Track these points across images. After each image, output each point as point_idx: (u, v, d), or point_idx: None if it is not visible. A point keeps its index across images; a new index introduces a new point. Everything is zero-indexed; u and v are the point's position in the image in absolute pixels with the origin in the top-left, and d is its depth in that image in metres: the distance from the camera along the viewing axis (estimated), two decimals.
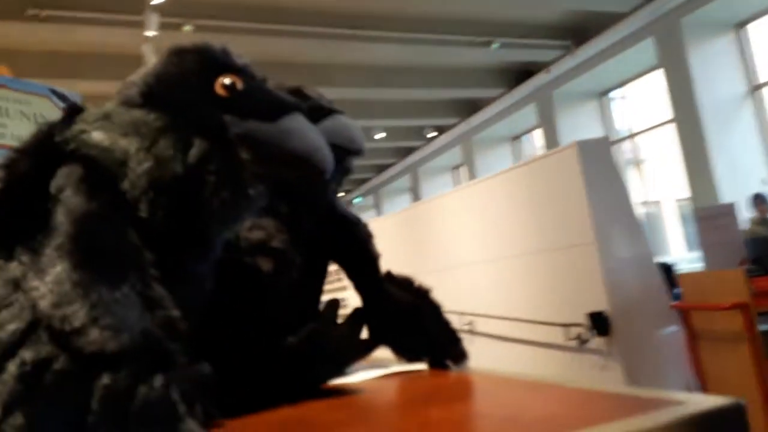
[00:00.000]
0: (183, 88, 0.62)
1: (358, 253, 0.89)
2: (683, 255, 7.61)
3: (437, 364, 0.83)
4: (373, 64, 7.47)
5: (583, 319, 2.88)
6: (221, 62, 0.63)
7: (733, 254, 3.42)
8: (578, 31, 7.28)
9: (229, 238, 0.73)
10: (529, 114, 8.94)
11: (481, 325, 3.66)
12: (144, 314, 0.49)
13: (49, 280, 0.47)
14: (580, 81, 7.96)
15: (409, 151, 11.37)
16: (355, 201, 14.93)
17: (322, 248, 0.87)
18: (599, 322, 2.82)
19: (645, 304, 2.94)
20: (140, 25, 5.15)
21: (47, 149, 0.58)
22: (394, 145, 10.87)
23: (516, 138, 10.30)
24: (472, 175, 9.84)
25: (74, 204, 0.53)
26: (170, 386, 0.44)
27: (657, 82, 7.13)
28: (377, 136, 9.82)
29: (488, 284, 3.73)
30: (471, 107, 9.43)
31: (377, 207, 13.98)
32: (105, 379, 0.42)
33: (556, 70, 7.86)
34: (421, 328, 0.83)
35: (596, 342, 2.86)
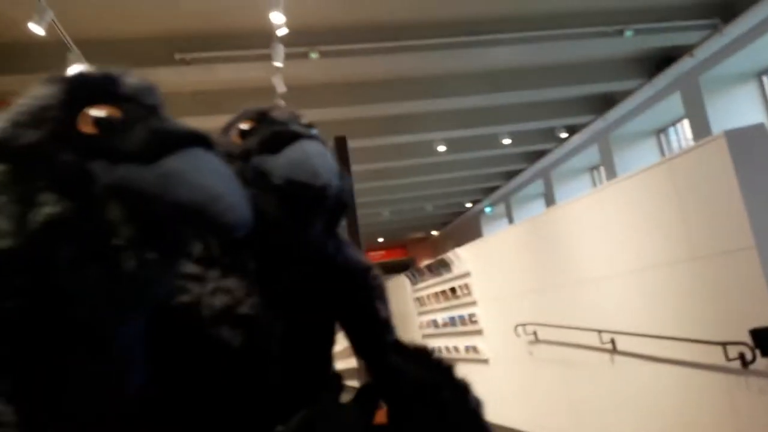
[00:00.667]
0: (36, 129, 0.47)
1: (358, 311, 0.70)
2: None
3: None
4: (493, 68, 7.29)
5: (744, 336, 2.50)
6: (93, 91, 0.50)
7: None
8: (725, 7, 6.52)
9: (189, 303, 0.59)
10: (673, 104, 8.15)
11: (624, 343, 3.34)
12: None
13: None
14: (731, 62, 7.11)
15: (540, 154, 10.92)
16: (486, 210, 14.64)
17: (317, 306, 0.68)
18: (764, 340, 2.42)
19: None
20: (269, 58, 5.49)
21: None
22: (522, 149, 10.51)
23: (661, 131, 9.45)
24: (612, 176, 9.19)
25: None
26: None
27: None
28: (504, 142, 9.57)
29: (631, 297, 3.40)
30: (606, 102, 8.83)
31: (508, 215, 13.59)
32: None
33: (701, 53, 7.08)
34: (442, 419, 0.64)
35: (762, 363, 2.47)
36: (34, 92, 0.50)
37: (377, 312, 0.71)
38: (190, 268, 0.65)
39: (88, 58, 5.00)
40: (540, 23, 6.32)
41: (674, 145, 9.29)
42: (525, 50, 6.65)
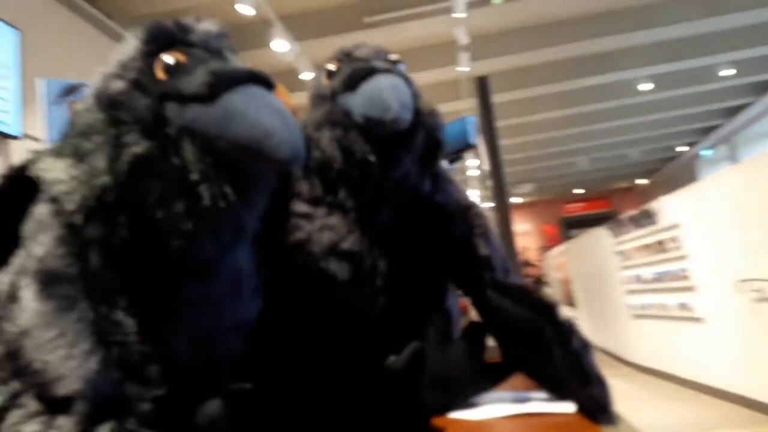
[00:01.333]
0: (121, 79, 0.53)
1: (457, 248, 0.69)
2: None
3: (586, 411, 0.60)
4: None
5: None
6: (166, 39, 0.55)
7: None
8: None
9: (302, 239, 0.63)
10: None
11: None
12: (95, 353, 0.47)
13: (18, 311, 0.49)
14: None
15: None
16: (703, 154, 12.87)
17: (418, 243, 0.69)
18: None
19: None
20: (452, 11, 5.43)
21: (17, 182, 0.56)
22: (748, 80, 8.97)
23: None
24: None
25: (36, 256, 0.52)
26: None
27: None
28: (723, 73, 8.25)
29: None
30: None
31: (732, 158, 11.74)
32: (60, 421, 0.44)
33: None
34: (545, 356, 0.61)
35: None
36: (124, 46, 0.56)
37: (476, 248, 0.70)
38: (302, 207, 0.71)
39: (289, 31, 5.47)
40: None
41: None
42: None
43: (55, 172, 0.54)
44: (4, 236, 0.55)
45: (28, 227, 0.54)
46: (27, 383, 0.47)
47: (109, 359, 0.49)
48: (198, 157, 0.49)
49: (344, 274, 0.65)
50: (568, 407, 0.62)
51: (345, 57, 0.74)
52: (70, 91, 1.99)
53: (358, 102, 0.63)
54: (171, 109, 0.51)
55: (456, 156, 1.78)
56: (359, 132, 0.65)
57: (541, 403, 0.64)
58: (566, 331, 0.63)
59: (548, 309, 0.64)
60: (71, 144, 0.54)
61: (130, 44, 0.56)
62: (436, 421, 0.62)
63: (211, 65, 0.52)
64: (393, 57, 0.77)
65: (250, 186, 0.53)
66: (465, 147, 1.68)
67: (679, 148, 13.27)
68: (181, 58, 0.53)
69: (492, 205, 6.35)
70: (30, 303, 0.49)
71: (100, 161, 0.51)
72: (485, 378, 0.66)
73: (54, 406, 0.45)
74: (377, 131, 0.62)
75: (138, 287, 0.52)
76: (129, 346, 0.50)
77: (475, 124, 1.67)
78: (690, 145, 12.93)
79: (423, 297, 0.71)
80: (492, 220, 1.39)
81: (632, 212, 6.16)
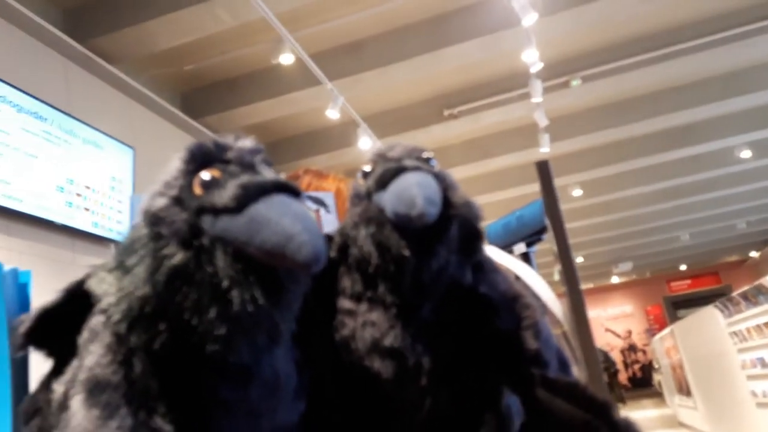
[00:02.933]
0: (163, 196, 0.58)
1: (504, 345, 0.67)
2: None
3: None
4: (719, 72, 6.01)
5: None
6: (204, 157, 0.58)
7: None
8: None
9: (347, 336, 0.64)
10: None
11: None
12: None
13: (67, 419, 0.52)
14: None
15: None
16: None
17: (463, 337, 0.66)
18: None
19: None
20: (529, 96, 5.55)
21: (76, 296, 0.60)
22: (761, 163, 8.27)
23: None
24: None
25: (87, 365, 0.55)
26: None
27: None
28: (743, 155, 7.69)
29: None
30: None
31: None
32: None
33: None
34: None
35: None
36: (169, 166, 0.62)
37: (524, 342, 0.67)
38: (346, 303, 0.73)
39: (372, 129, 5.80)
40: None
41: None
42: None
43: (105, 285, 0.58)
44: (63, 348, 0.60)
45: (82, 337, 0.58)
46: None
47: None
48: (229, 264, 0.52)
49: (388, 373, 0.65)
50: None
51: (379, 158, 0.78)
52: None
53: (388, 199, 0.65)
54: (206, 222, 0.55)
55: (534, 238, 1.78)
56: (393, 228, 0.67)
57: None
58: (624, 428, 0.61)
59: (603, 408, 0.62)
60: (119, 258, 0.58)
61: (174, 164, 0.61)
62: None
63: (242, 179, 0.57)
64: (426, 155, 0.79)
65: (280, 289, 0.55)
66: (542, 229, 1.68)
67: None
68: (217, 174, 0.57)
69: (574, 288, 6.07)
70: (77, 411, 0.52)
71: (141, 273, 0.55)
72: None
73: None
74: (407, 226, 0.64)
75: (177, 393, 0.55)
76: None
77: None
78: None
79: (472, 396, 0.68)
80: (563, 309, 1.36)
81: (745, 288, 5.67)
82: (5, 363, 0.74)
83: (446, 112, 6.23)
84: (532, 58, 4.70)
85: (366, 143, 5.55)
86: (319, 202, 1.22)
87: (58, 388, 0.57)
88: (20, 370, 0.80)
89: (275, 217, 0.51)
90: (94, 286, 0.59)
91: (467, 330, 0.70)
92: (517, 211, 1.93)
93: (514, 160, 7.06)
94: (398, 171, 0.68)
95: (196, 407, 0.55)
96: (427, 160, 0.77)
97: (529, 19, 4.07)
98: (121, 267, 0.57)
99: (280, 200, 0.53)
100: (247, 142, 0.62)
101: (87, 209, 3.71)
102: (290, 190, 0.56)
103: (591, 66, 5.76)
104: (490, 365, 0.67)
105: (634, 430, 0.61)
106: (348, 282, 0.72)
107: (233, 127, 5.63)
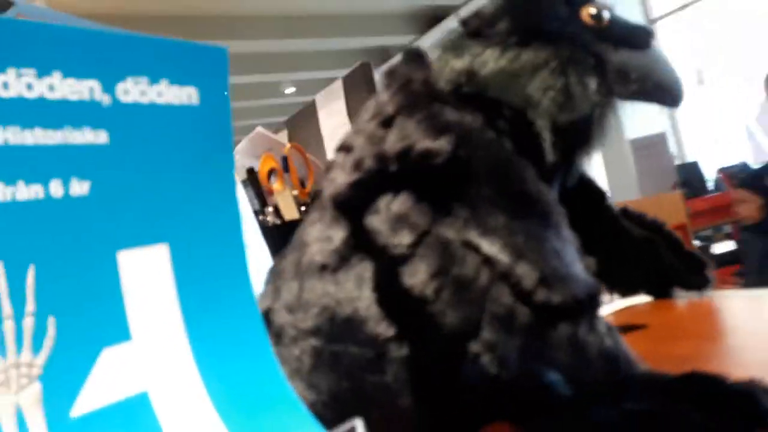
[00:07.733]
0: (559, 20, 0.57)
1: (586, 191, 0.72)
2: None
3: (662, 293, 0.74)
4: (281, 13, 7.05)
5: None
6: None
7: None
8: None
9: None
10: None
11: None
12: (579, 261, 0.46)
13: (494, 235, 0.46)
14: None
15: None
16: None
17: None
18: None
19: None
20: None
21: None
22: (303, 99, 10.52)
23: None
24: None
25: (489, 152, 0.50)
26: (609, 332, 0.44)
27: None
28: (287, 91, 9.41)
29: None
30: (383, 55, 9.26)
31: None
32: (564, 330, 0.43)
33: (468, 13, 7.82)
34: (656, 259, 0.73)
35: None
36: None
37: (601, 188, 0.72)
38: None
39: None
40: None
41: None
42: None
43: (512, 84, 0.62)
44: None
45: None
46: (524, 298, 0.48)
47: None
48: (622, 91, 0.62)
49: None
50: (642, 299, 0.73)
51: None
52: None
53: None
54: (604, 49, 0.63)
55: None
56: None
57: (617, 303, 0.75)
58: (677, 239, 0.73)
59: (661, 226, 0.73)
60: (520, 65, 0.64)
61: None
62: None
63: (628, 21, 0.65)
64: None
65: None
66: None
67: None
68: (604, 11, 0.62)
69: None
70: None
71: (577, 87, 0.61)
72: None
73: (559, 315, 0.47)
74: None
75: None
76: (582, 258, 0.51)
77: None
78: None
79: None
80: None
81: None
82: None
83: None
84: None
85: None
86: None
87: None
88: None
89: (668, 61, 0.62)
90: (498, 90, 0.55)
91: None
92: None
93: None
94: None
95: None
96: None
97: None
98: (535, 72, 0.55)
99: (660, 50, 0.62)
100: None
101: None
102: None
103: None
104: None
105: (681, 241, 0.73)
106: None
107: None
